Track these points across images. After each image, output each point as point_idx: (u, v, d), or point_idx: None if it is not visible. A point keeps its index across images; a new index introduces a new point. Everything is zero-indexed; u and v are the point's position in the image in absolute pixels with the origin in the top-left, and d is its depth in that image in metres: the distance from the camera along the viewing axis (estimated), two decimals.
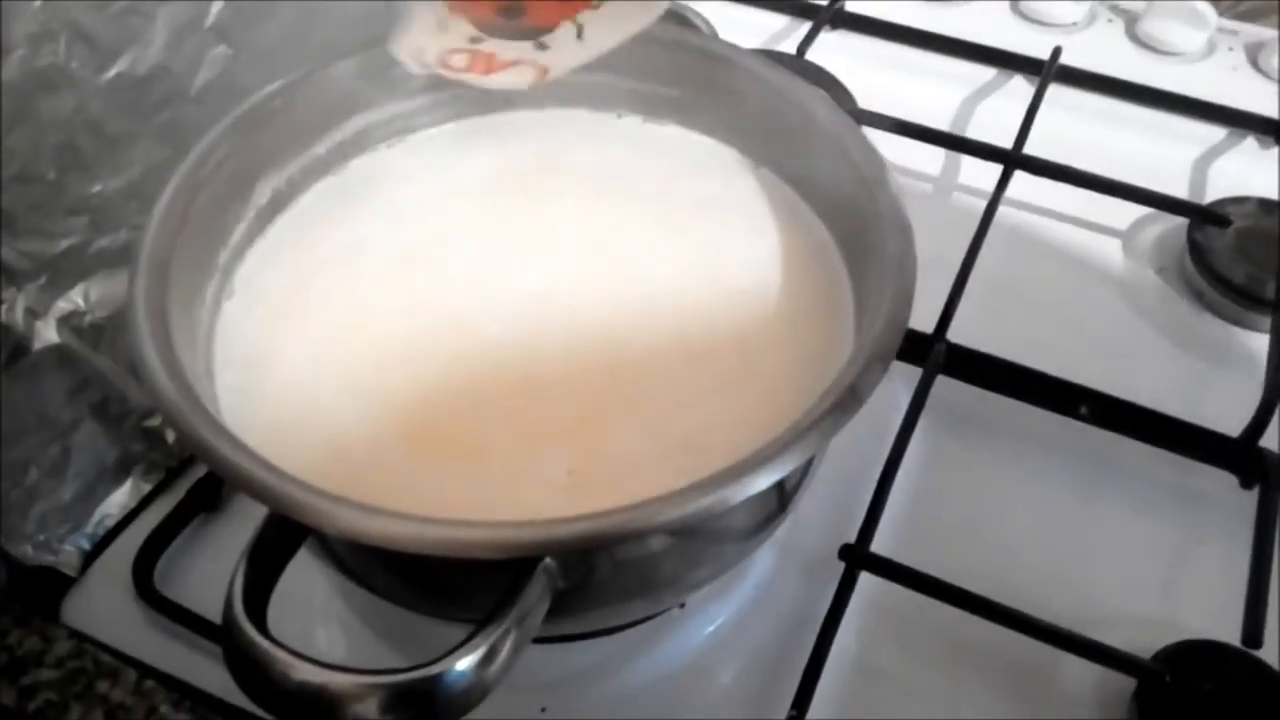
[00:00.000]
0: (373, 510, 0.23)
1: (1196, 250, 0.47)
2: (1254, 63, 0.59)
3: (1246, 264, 0.46)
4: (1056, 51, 0.56)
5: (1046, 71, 0.55)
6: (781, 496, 0.30)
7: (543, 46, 0.32)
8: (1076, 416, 0.41)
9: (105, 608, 0.37)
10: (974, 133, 0.54)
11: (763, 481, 0.24)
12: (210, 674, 0.35)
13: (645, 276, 0.33)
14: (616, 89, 0.38)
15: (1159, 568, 0.38)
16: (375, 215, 0.36)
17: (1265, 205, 0.49)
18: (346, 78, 0.36)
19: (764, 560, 0.38)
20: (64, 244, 0.35)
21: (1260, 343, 0.44)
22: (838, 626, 0.34)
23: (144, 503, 0.41)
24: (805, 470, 0.31)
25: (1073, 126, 0.54)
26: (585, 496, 0.24)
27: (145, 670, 0.33)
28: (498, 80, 0.32)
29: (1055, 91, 0.54)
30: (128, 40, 0.35)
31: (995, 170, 0.49)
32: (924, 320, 0.42)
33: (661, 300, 0.33)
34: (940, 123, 0.55)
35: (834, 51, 0.56)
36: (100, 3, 0.33)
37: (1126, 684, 0.34)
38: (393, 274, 0.34)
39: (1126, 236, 0.50)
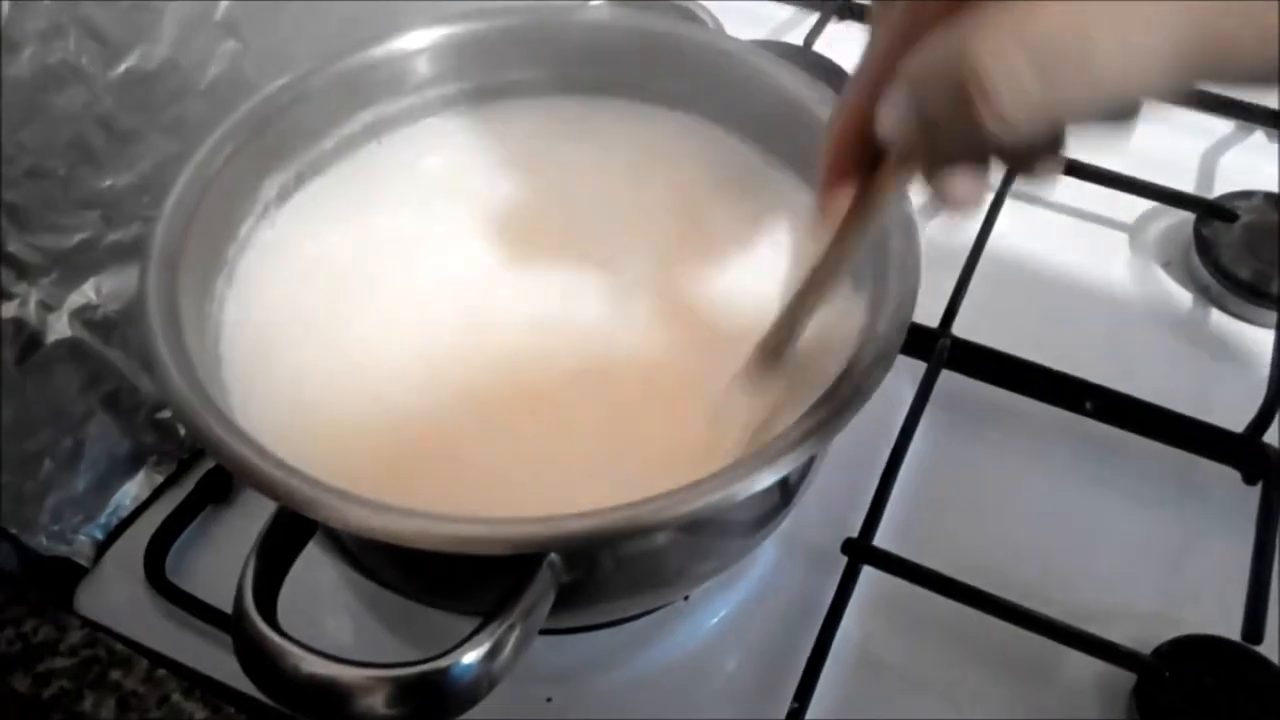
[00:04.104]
0: (380, 506, 0.23)
1: (1203, 245, 0.47)
2: None
3: (1253, 259, 0.46)
4: None
5: None
6: (785, 492, 0.30)
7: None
8: (1081, 411, 0.41)
9: (118, 597, 0.38)
10: None
11: (766, 479, 0.24)
12: (221, 662, 0.35)
13: (652, 272, 0.34)
14: (619, 84, 0.38)
15: (1161, 563, 0.38)
16: (381, 208, 0.36)
17: (1272, 200, 0.49)
18: (355, 72, 0.36)
19: (767, 554, 0.38)
20: (76, 238, 0.36)
21: (1266, 338, 0.44)
22: (840, 620, 0.35)
23: (156, 494, 0.41)
24: (809, 466, 0.31)
25: None
26: (590, 495, 0.24)
27: (157, 659, 0.34)
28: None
29: None
30: (137, 36, 0.35)
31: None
32: (929, 315, 0.42)
33: (665, 294, 0.33)
34: None
35: (842, 43, 0.56)
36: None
37: (1127, 679, 0.34)
38: (399, 269, 0.34)
39: (1133, 231, 0.50)
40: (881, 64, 0.21)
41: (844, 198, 0.24)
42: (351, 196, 0.36)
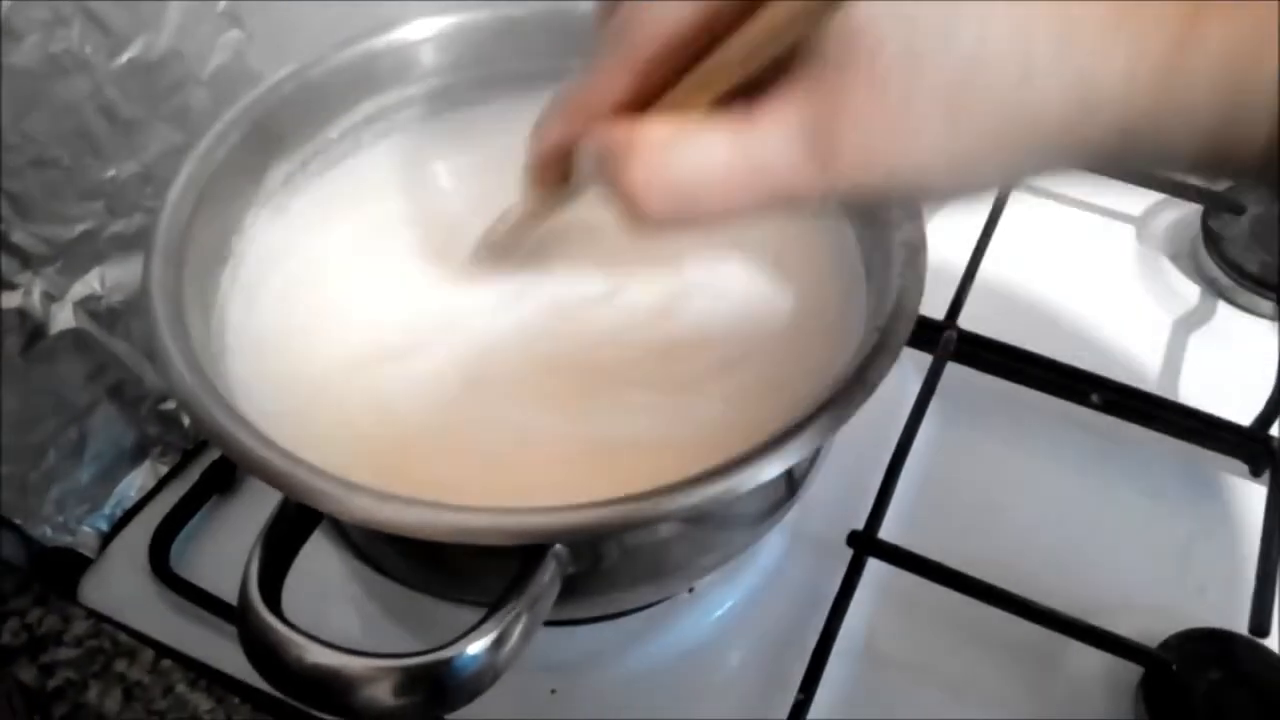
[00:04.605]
0: (386, 496, 0.23)
1: (1210, 237, 0.47)
2: None
3: (1260, 251, 0.46)
4: None
5: None
6: (790, 483, 0.30)
7: None
8: (1087, 404, 0.41)
9: (122, 588, 0.38)
10: None
11: (771, 470, 0.24)
12: (226, 653, 0.35)
13: (652, 259, 0.33)
14: None
15: (1167, 555, 0.38)
16: (386, 197, 0.36)
17: None
18: (359, 61, 0.36)
19: (773, 545, 0.38)
20: (79, 228, 0.36)
21: (1273, 330, 0.44)
22: (845, 612, 0.35)
23: (160, 484, 0.41)
24: (814, 457, 0.31)
25: None
26: (595, 482, 0.24)
27: (162, 649, 0.34)
28: None
29: None
30: (140, 25, 0.35)
31: None
32: (935, 307, 0.42)
33: (663, 284, 0.33)
34: None
35: None
36: None
37: (1133, 672, 0.34)
38: (404, 257, 0.34)
39: (1140, 222, 0.50)
40: (596, 105, 0.23)
41: (551, 181, 0.27)
42: (356, 185, 0.36)
